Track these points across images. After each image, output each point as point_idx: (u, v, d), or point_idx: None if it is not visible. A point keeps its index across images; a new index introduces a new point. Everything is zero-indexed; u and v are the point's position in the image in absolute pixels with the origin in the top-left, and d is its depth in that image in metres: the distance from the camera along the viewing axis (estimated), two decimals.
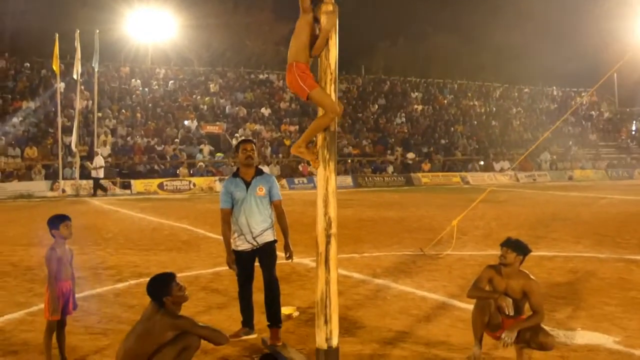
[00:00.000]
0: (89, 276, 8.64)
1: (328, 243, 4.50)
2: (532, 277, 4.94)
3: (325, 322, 4.47)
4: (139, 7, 41.95)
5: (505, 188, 27.85)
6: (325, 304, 4.48)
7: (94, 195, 23.55)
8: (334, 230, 4.52)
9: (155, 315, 4.12)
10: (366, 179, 30.85)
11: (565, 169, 36.91)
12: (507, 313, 4.82)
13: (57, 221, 5.00)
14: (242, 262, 5.73)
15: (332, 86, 4.53)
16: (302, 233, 10.24)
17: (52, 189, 24.16)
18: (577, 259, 9.68)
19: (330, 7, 4.54)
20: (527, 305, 4.93)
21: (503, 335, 4.68)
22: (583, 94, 46.59)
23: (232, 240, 5.75)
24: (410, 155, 34.41)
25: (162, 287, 4.22)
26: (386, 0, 53.79)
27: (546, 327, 5.07)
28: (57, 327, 5.04)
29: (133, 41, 41.95)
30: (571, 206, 18.94)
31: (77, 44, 24.47)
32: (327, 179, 4.52)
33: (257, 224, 5.67)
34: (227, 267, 5.82)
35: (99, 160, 23.66)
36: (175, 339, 4.06)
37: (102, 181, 24.16)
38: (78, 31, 24.55)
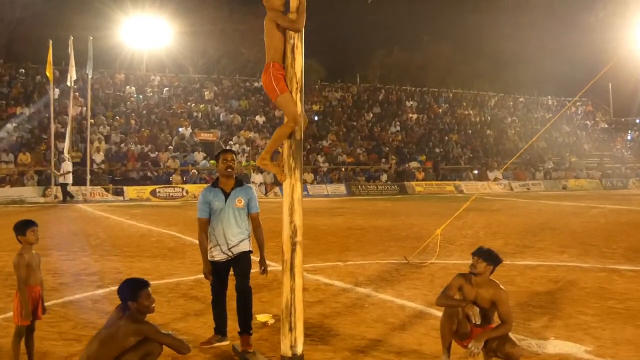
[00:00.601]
0: (71, 282, 8.65)
1: (293, 251, 4.51)
2: (501, 286, 4.97)
3: (290, 329, 4.48)
4: (135, 14, 42.04)
5: (497, 197, 27.90)
6: (290, 311, 4.50)
7: (64, 202, 23.30)
8: (299, 238, 4.54)
9: (119, 320, 4.13)
10: (360, 187, 30.84)
11: (560, 178, 36.95)
12: (473, 322, 4.83)
13: (24, 227, 5.00)
14: (217, 272, 5.73)
15: (298, 95, 4.54)
16: None
17: (44, 195, 24.15)
18: (560, 269, 9.69)
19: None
20: (496, 315, 4.96)
21: (470, 345, 4.70)
22: (578, 103, 46.64)
23: (208, 250, 5.75)
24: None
25: (131, 290, 4.23)
26: (382, 9, 53.95)
27: (517, 336, 5.09)
28: (25, 333, 5.04)
29: (128, 48, 42.00)
30: (562, 215, 18.96)
31: (71, 51, 24.51)
32: (292, 187, 4.54)
33: (233, 236, 5.65)
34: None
35: (66, 166, 23.45)
36: (137, 344, 4.07)
37: (69, 188, 23.76)
38: (72, 38, 24.62)
